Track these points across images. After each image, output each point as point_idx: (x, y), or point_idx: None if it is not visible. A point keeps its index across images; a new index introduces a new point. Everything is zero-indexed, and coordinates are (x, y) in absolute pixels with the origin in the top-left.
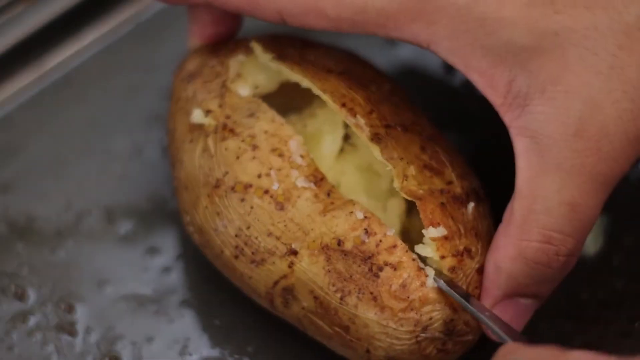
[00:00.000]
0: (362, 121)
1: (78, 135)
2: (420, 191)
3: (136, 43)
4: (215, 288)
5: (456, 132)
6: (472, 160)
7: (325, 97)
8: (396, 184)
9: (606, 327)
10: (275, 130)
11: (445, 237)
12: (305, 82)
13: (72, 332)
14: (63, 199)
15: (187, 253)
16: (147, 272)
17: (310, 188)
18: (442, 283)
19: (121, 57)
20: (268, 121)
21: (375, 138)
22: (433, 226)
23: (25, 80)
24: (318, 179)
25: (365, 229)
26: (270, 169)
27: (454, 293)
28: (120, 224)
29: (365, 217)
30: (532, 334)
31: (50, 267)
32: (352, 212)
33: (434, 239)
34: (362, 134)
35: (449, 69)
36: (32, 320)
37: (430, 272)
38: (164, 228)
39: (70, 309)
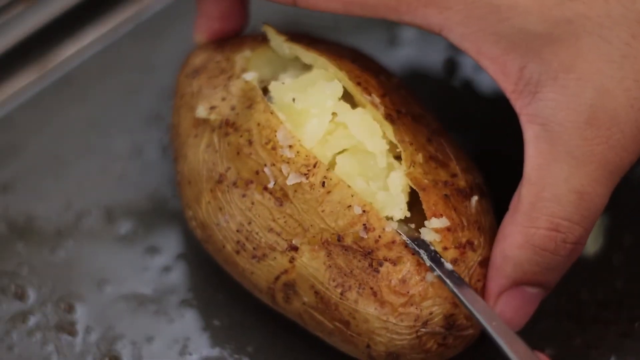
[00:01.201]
0: (377, 100)
1: (78, 135)
2: (425, 181)
3: (136, 43)
4: (215, 288)
5: (457, 132)
6: (472, 159)
7: (341, 74)
8: (404, 168)
9: (606, 327)
10: (266, 122)
11: (448, 229)
12: (320, 61)
13: (72, 332)
14: (63, 199)
15: (187, 253)
16: (147, 272)
17: (302, 182)
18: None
19: (121, 57)
20: (260, 112)
21: (389, 118)
22: (435, 217)
23: (25, 80)
24: (311, 166)
25: (364, 225)
26: (265, 165)
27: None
28: (120, 223)
29: (364, 211)
30: (532, 333)
31: (50, 267)
32: (350, 206)
33: (436, 230)
34: (378, 112)
35: (450, 69)
36: (32, 320)
37: (393, 225)
38: (164, 228)
39: (70, 308)
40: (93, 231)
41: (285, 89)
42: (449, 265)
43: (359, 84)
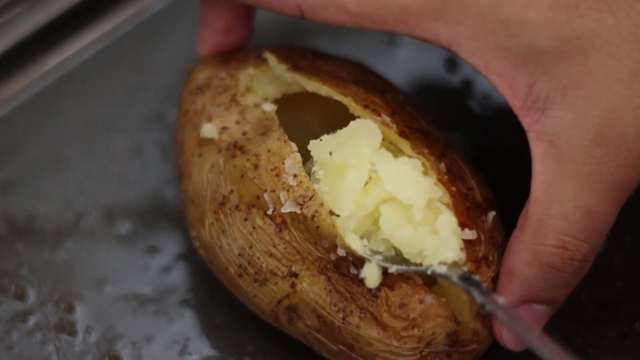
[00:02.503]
0: (387, 119)
1: (78, 135)
2: (454, 188)
3: (136, 43)
4: (215, 288)
5: (457, 132)
6: (481, 174)
7: (346, 100)
8: (432, 175)
9: (606, 327)
10: (277, 149)
11: (469, 242)
12: (324, 90)
13: (72, 332)
14: (63, 199)
15: (187, 253)
16: (147, 272)
17: (296, 213)
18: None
19: (121, 57)
20: (274, 140)
21: (403, 135)
22: (463, 227)
23: (25, 80)
24: (307, 198)
25: (352, 262)
26: (265, 190)
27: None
28: (120, 223)
29: (347, 252)
30: None
31: (50, 267)
32: (336, 245)
33: (464, 241)
34: (390, 131)
35: (449, 70)
36: (32, 320)
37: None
38: (164, 228)
39: (70, 308)
40: (93, 231)
41: (323, 145)
42: (501, 299)
43: (366, 106)
